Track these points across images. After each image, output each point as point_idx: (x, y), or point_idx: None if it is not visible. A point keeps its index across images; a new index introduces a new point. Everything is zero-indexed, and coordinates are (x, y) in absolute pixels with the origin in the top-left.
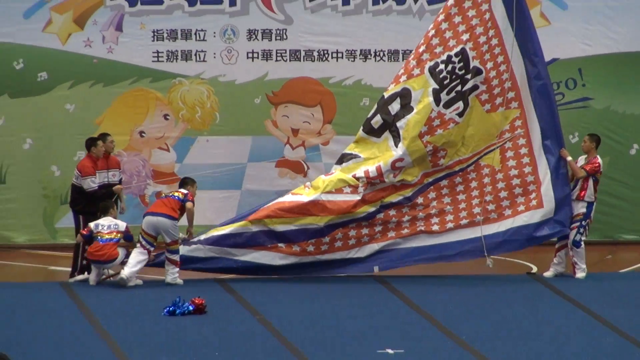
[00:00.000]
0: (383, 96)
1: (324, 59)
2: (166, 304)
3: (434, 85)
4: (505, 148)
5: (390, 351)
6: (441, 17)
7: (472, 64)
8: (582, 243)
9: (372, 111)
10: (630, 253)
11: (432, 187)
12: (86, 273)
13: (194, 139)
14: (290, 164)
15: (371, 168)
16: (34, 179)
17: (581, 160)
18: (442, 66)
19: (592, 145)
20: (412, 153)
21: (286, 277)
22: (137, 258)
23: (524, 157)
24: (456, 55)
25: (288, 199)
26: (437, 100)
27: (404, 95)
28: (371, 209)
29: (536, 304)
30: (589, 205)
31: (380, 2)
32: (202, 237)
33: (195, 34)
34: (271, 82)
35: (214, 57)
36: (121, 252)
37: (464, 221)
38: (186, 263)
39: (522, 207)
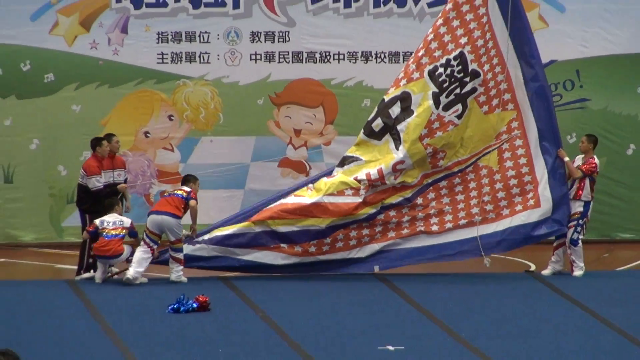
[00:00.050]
0: (383, 99)
1: (326, 60)
2: (170, 301)
3: (433, 88)
4: (503, 149)
5: (390, 348)
6: (440, 21)
7: (470, 67)
8: (580, 241)
9: (373, 114)
10: (627, 251)
11: (431, 188)
12: (92, 271)
13: (198, 139)
14: (292, 164)
15: (372, 171)
16: (41, 178)
17: (578, 160)
18: (441, 70)
19: (589, 146)
20: (413, 155)
21: (288, 275)
22: (141, 257)
23: (520, 157)
24: (455, 58)
25: (291, 200)
26: (436, 103)
27: (404, 99)
28: (372, 210)
29: (535, 302)
30: (586, 204)
31: (381, 4)
32: (206, 237)
33: (199, 36)
34: (274, 83)
35: (218, 59)
36: (127, 249)
37: (463, 221)
38: (190, 262)
39: (519, 207)
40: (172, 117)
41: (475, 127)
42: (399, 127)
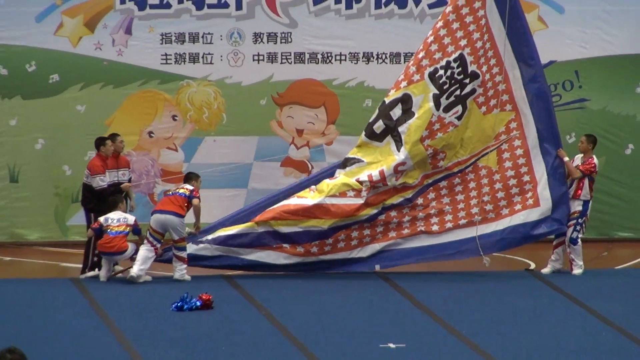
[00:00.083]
0: (384, 101)
1: (328, 61)
2: (174, 299)
3: (434, 90)
4: (502, 150)
5: (392, 345)
6: (439, 24)
7: (469, 69)
8: (579, 240)
9: (374, 116)
10: (625, 250)
11: (431, 188)
12: (97, 269)
13: (201, 139)
14: (294, 164)
15: (374, 172)
16: (46, 178)
17: (577, 159)
18: (441, 72)
19: (589, 147)
20: (414, 157)
21: (291, 274)
22: (144, 255)
23: (519, 157)
24: (455, 60)
25: (293, 201)
26: (437, 105)
27: (405, 101)
28: (373, 211)
29: (534, 300)
30: (585, 203)
31: (383, 6)
32: (210, 236)
33: (203, 37)
34: (276, 83)
35: (221, 60)
36: (131, 246)
37: (463, 221)
38: (194, 261)
39: (519, 207)
40: (175, 117)
41: (474, 128)
42: (400, 128)
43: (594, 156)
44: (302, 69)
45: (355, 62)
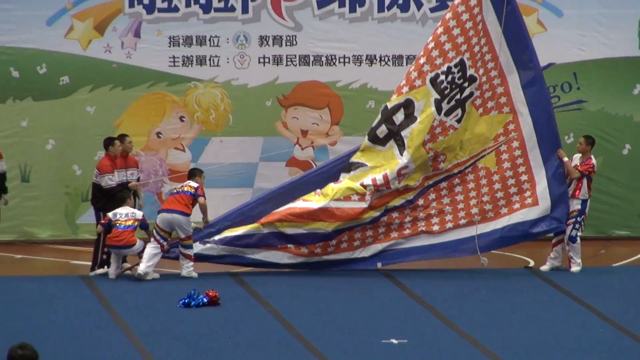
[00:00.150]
0: (386, 106)
1: (332, 63)
2: (182, 296)
3: (435, 95)
4: (501, 151)
5: (394, 341)
6: (440, 29)
7: (468, 73)
8: (578, 238)
9: (377, 121)
10: (622, 248)
11: (432, 189)
12: (106, 267)
13: (208, 140)
14: (299, 163)
15: (378, 176)
16: (57, 177)
17: (576, 159)
18: (442, 77)
19: (587, 148)
20: (416, 160)
21: (296, 272)
22: (151, 253)
23: (518, 158)
24: (455, 66)
25: (299, 205)
26: (438, 109)
27: (407, 106)
28: (376, 213)
29: (533, 296)
30: (584, 202)
31: (385, 9)
32: (216, 237)
33: (210, 40)
34: (281, 85)
35: (227, 62)
36: (139, 242)
37: (463, 221)
38: (200, 260)
39: (517, 205)
40: (183, 118)
41: (472, 130)
42: (403, 133)
43: (592, 156)
44: (307, 71)
45: (359, 64)
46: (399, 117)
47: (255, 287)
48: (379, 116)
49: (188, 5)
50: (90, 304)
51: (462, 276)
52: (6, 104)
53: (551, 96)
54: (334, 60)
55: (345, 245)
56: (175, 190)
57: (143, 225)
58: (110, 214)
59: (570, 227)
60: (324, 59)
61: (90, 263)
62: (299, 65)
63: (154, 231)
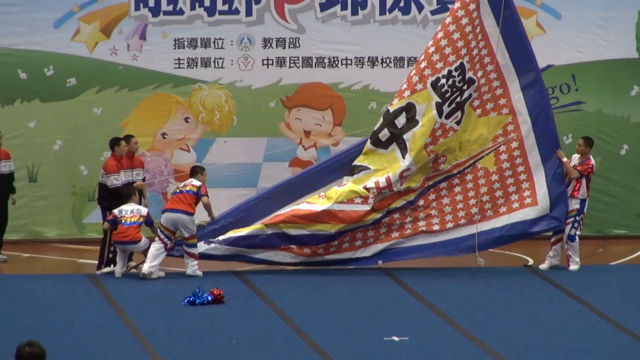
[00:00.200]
0: (388, 110)
1: (334, 65)
2: (187, 294)
3: (436, 99)
4: (500, 151)
5: (395, 338)
6: (440, 34)
7: (467, 76)
8: (577, 237)
9: (379, 125)
10: (620, 247)
11: (432, 190)
12: (112, 266)
13: (212, 140)
14: (302, 164)
15: (381, 179)
16: (64, 177)
17: (574, 159)
18: (443, 81)
19: (586, 149)
20: (417, 162)
21: (298, 270)
22: (155, 252)
23: (516, 158)
24: (456, 69)
25: (303, 207)
26: (439, 112)
27: (409, 109)
28: (378, 215)
29: (532, 294)
30: (582, 202)
31: (387, 12)
32: (220, 237)
33: (214, 42)
34: (285, 87)
35: (232, 64)
36: (144, 239)
37: (463, 221)
38: (204, 259)
39: (516, 205)
40: (188, 119)
41: (471, 131)
42: (405, 136)
43: (591, 157)
44: (310, 73)
45: (361, 66)
46: (401, 120)
47: (258, 285)
48: (381, 120)
49: (193, 8)
50: (97, 302)
51: (462, 274)
52: (14, 105)
53: (550, 97)
54: (337, 62)
55: (347, 245)
56: (178, 190)
57: (148, 221)
58: (115, 211)
59: (569, 226)
60: (326, 60)
61: (96, 262)
62: (302, 67)
63: (158, 230)
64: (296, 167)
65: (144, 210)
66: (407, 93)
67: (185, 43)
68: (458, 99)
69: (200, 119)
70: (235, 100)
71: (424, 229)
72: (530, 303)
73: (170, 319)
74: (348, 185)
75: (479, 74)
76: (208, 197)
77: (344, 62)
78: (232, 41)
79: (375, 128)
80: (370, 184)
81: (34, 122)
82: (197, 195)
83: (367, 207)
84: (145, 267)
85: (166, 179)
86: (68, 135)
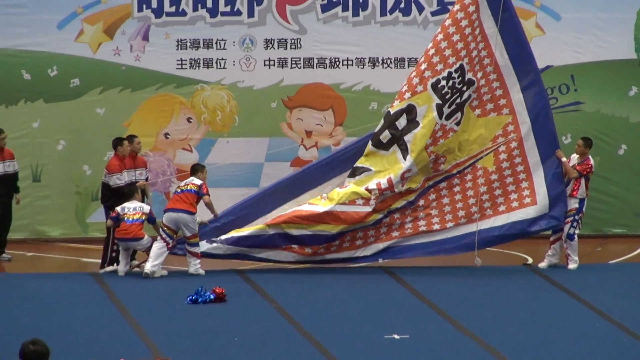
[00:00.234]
0: (389, 112)
1: (335, 66)
2: (189, 293)
3: (437, 100)
4: (499, 151)
5: (396, 336)
6: (440, 36)
7: (467, 77)
8: (576, 236)
9: (380, 126)
10: (618, 245)
11: (432, 190)
12: (115, 264)
13: (215, 140)
14: (304, 163)
15: (382, 180)
16: (67, 177)
17: (573, 159)
18: (443, 82)
19: (585, 150)
20: (418, 163)
21: (300, 269)
22: (157, 251)
23: (516, 157)
24: (455, 71)
25: (305, 208)
26: (440, 114)
27: (410, 111)
28: (379, 216)
29: (532, 293)
30: (581, 201)
31: (388, 13)
32: (223, 237)
33: (216, 43)
34: (286, 87)
35: (234, 65)
36: (147, 237)
37: (462, 220)
38: (207, 257)
39: (515, 204)
40: (190, 120)
41: (470, 131)
42: (406, 138)
43: (590, 157)
44: (311, 74)
45: (362, 67)
46: (402, 122)
47: (260, 284)
48: (382, 122)
49: (195, 9)
50: (100, 301)
51: (462, 273)
52: (18, 106)
53: (549, 98)
54: (338, 63)
55: (348, 245)
56: (179, 190)
57: (150, 219)
58: (118, 208)
59: (568, 225)
60: (327, 61)
61: (99, 260)
62: (304, 67)
63: (160, 229)
64: (297, 167)
65: (146, 208)
66: (407, 95)
67: (188, 44)
68: (458, 100)
69: (203, 119)
70: (237, 100)
71: (424, 228)
72: (530, 301)
73: (173, 317)
74: (350, 186)
75: (479, 75)
76: (209, 195)
77: (345, 62)
78: (234, 42)
79: (376, 130)
80: (372, 185)
81: (38, 122)
82: (199, 195)
83: (368, 209)
84: (148, 267)
85: (169, 178)
86: (71, 136)
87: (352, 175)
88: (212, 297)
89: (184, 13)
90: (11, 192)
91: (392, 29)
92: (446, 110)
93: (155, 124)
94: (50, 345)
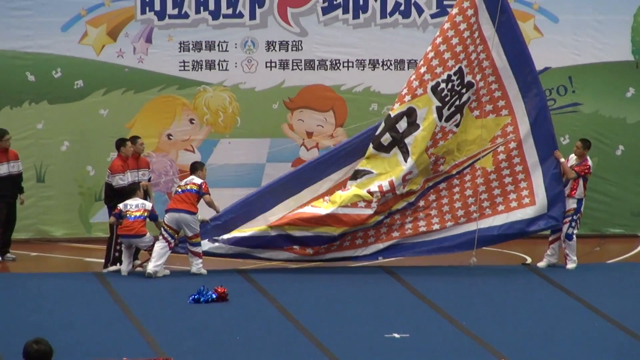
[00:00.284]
0: (390, 115)
1: (336, 67)
2: (191, 292)
3: (436, 103)
4: (498, 152)
5: (396, 335)
6: (439, 39)
7: (466, 79)
8: (574, 236)
9: (381, 129)
10: (616, 245)
11: (432, 190)
12: (118, 264)
13: (217, 141)
14: None
15: (384, 183)
16: (71, 178)
17: (571, 159)
18: (442, 85)
19: (584, 151)
20: (419, 165)
21: (302, 268)
22: (159, 251)
23: (514, 158)
24: (455, 74)
25: (307, 210)
26: (439, 116)
27: (410, 114)
28: (380, 217)
29: (530, 292)
30: (579, 201)
31: (388, 15)
32: (225, 237)
33: (218, 45)
34: (288, 89)
35: (236, 67)
36: (149, 235)
37: (462, 220)
38: (209, 256)
39: (514, 204)
40: (193, 121)
41: (468, 132)
42: (407, 140)
43: (589, 158)
44: (312, 75)
45: (362, 68)
46: (402, 125)
47: (262, 283)
48: (383, 125)
49: (198, 11)
50: (103, 300)
51: (462, 273)
52: (22, 107)
53: (547, 99)
54: (338, 65)
55: (348, 244)
56: (180, 189)
57: (152, 216)
58: (121, 205)
59: (566, 225)
60: (328, 63)
61: (103, 260)
62: (305, 69)
63: (162, 229)
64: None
65: (148, 205)
66: (407, 98)
67: (190, 46)
68: (457, 103)
69: (205, 120)
70: (239, 101)
71: (424, 229)
72: (529, 301)
73: (176, 316)
74: (352, 189)
75: (478, 77)
76: (210, 194)
77: (345, 64)
78: (236, 44)
79: (377, 132)
80: (374, 187)
81: (42, 123)
82: (199, 194)
83: (370, 211)
84: (150, 267)
85: (171, 179)
86: (75, 137)
87: (354, 178)
88: (214, 296)
89: (186, 15)
90: (15, 193)
91: (392, 31)
92: (446, 113)
93: (158, 125)
94: (53, 344)
